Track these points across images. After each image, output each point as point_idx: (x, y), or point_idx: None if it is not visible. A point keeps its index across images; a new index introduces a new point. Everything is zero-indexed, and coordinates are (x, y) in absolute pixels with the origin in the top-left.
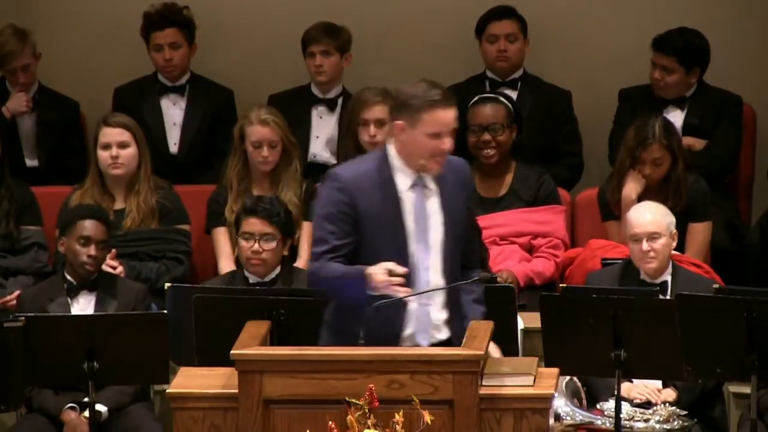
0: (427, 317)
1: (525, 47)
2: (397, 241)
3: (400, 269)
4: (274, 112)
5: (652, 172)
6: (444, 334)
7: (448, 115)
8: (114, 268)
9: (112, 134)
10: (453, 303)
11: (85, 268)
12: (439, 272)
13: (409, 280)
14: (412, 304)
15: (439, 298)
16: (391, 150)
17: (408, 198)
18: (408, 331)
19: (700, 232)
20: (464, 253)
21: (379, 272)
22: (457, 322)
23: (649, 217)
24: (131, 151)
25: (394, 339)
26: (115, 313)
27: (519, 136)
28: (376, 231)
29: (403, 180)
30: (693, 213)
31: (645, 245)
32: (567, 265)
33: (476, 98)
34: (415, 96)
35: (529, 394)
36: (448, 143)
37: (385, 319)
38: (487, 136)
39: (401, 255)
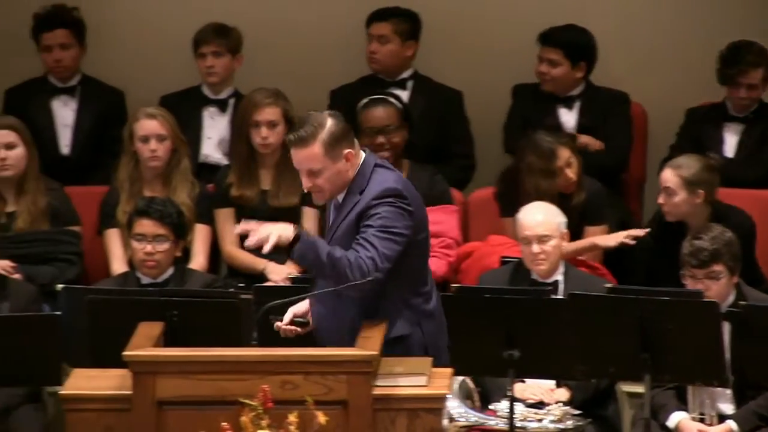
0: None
1: (404, 50)
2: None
3: (283, 323)
4: (161, 108)
5: (572, 174)
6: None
7: (294, 156)
8: (10, 274)
9: None
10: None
11: None
12: None
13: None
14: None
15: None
16: None
17: (332, 213)
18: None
19: (596, 235)
20: None
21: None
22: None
23: (540, 218)
24: (19, 151)
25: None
26: (7, 315)
27: (410, 136)
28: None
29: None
30: (589, 215)
31: (535, 248)
32: (463, 258)
33: (366, 100)
34: None
35: (423, 394)
36: (303, 182)
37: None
38: (381, 139)
39: None
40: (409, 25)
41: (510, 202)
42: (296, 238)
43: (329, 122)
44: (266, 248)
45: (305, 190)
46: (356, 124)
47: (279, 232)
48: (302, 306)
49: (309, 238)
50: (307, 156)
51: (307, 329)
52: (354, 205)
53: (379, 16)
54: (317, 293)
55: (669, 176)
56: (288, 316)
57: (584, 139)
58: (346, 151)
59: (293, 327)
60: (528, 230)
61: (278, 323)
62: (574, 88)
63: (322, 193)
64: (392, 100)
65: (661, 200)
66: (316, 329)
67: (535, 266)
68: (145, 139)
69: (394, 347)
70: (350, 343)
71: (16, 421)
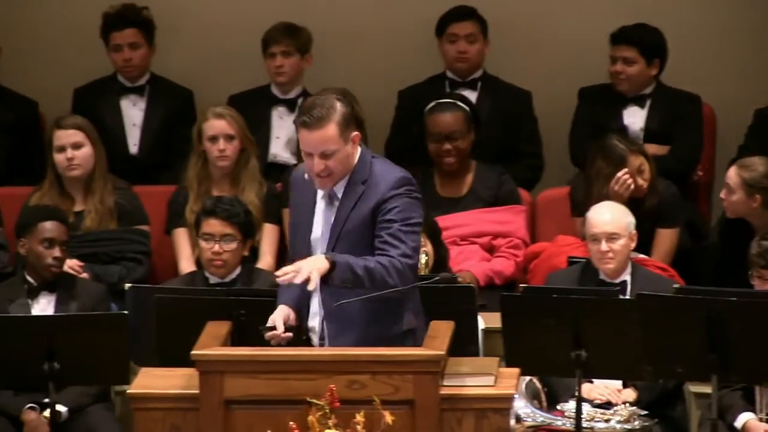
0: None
1: (485, 48)
2: (305, 244)
3: (279, 324)
4: (230, 108)
5: (643, 181)
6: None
7: (308, 138)
8: (78, 273)
9: (65, 136)
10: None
11: (50, 270)
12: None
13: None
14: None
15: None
16: None
17: (320, 205)
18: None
19: (667, 237)
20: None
21: (273, 318)
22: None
23: (609, 217)
24: (86, 151)
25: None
26: (76, 314)
27: (477, 137)
28: (295, 228)
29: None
30: (662, 218)
31: (604, 246)
32: (531, 258)
33: (433, 104)
34: (297, 113)
35: (490, 394)
36: (315, 165)
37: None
38: (447, 145)
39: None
40: (483, 23)
41: (582, 202)
42: (332, 265)
43: (338, 104)
44: (311, 286)
45: (315, 175)
46: (423, 127)
47: (317, 266)
48: (284, 312)
49: (342, 260)
50: (323, 137)
51: (293, 334)
52: (360, 196)
53: (460, 15)
54: (379, 294)
55: (732, 174)
56: (279, 323)
57: (651, 149)
58: (354, 133)
59: (288, 333)
60: (597, 228)
61: (273, 332)
62: (646, 86)
63: (330, 177)
64: (460, 104)
65: (722, 195)
66: (327, 329)
67: (602, 264)
68: (214, 139)
69: (404, 340)
70: (370, 337)
71: (86, 419)
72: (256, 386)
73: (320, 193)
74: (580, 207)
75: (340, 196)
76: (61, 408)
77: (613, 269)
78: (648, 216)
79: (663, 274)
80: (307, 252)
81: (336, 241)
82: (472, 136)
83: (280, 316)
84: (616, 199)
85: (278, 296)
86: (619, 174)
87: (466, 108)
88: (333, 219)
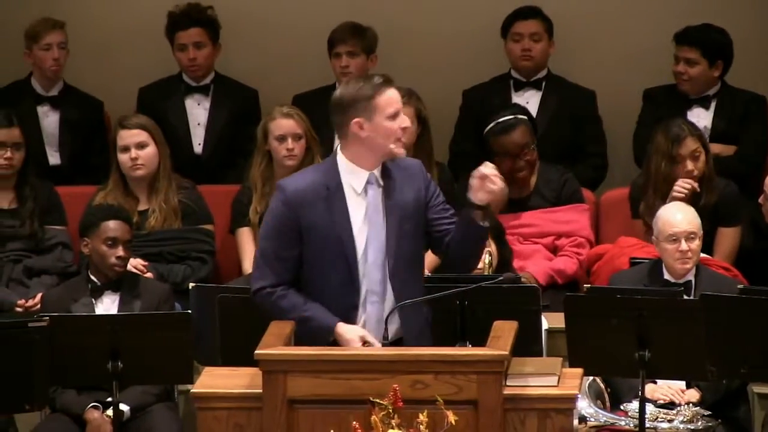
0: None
1: (549, 47)
2: (346, 255)
3: (373, 341)
4: (295, 107)
5: (694, 168)
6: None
7: (396, 95)
8: (143, 273)
9: (129, 136)
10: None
11: (114, 270)
12: (383, 270)
13: (359, 289)
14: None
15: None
16: (340, 157)
17: (359, 202)
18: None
19: (729, 236)
20: (438, 232)
21: (354, 340)
22: (410, 321)
23: (684, 217)
24: (150, 150)
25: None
26: (139, 313)
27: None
28: (323, 245)
29: (356, 183)
30: (723, 217)
31: (684, 245)
32: (594, 260)
33: (493, 125)
34: (361, 87)
35: (553, 394)
36: (406, 120)
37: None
38: (520, 162)
39: (350, 270)
40: (549, 23)
41: (641, 184)
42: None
43: None
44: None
45: (400, 134)
46: (487, 147)
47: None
48: (356, 328)
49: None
50: None
51: None
52: (396, 181)
53: (524, 14)
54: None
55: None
56: (371, 338)
57: (716, 148)
58: None
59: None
60: (677, 227)
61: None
62: (710, 87)
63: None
64: (520, 116)
65: (760, 201)
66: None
67: (681, 264)
68: (282, 138)
69: (424, 329)
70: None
71: (149, 419)
72: (320, 386)
73: (352, 189)
74: (638, 193)
75: (381, 181)
76: (123, 407)
77: (690, 269)
78: (706, 215)
79: (726, 274)
80: (346, 263)
81: (399, 230)
82: (535, 141)
83: (364, 332)
84: (677, 198)
85: (314, 320)
86: (677, 185)
87: (525, 117)
88: (382, 205)
